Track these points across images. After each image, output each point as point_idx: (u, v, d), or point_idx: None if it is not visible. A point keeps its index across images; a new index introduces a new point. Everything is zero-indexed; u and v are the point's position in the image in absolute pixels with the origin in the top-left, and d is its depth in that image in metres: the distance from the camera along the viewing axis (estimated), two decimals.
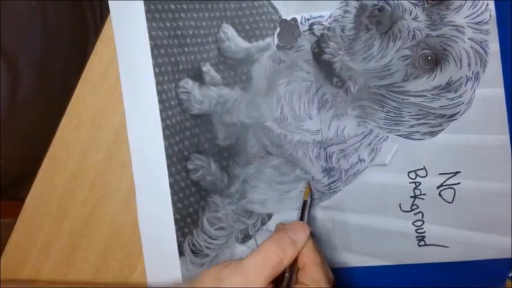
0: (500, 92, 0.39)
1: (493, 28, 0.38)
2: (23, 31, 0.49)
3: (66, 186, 0.45)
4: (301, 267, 0.36)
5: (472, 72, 0.39)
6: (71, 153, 0.45)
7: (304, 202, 0.40)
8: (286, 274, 0.35)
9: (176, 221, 0.43)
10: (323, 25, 0.40)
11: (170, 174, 0.43)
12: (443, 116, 0.39)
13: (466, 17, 0.38)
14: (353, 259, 0.41)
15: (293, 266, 0.35)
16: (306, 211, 0.39)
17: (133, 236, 0.44)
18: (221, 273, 0.35)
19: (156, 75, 0.43)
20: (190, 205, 0.43)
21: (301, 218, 0.39)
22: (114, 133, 0.44)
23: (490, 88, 0.39)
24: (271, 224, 0.42)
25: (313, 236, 0.37)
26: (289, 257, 0.35)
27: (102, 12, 0.58)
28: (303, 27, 0.41)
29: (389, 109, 0.40)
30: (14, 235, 0.46)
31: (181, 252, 0.43)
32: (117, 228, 0.44)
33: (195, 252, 0.43)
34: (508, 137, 0.39)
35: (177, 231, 0.43)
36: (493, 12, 0.39)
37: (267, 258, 0.34)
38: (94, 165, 0.45)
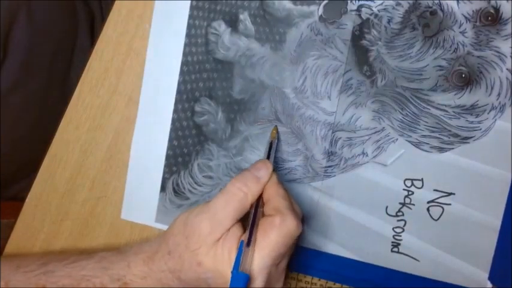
0: None
1: None
2: (9, 29, 0.47)
3: (66, 186, 0.44)
4: (266, 201, 0.36)
5: (499, 103, 0.38)
6: (71, 153, 0.44)
7: (270, 143, 0.40)
8: (252, 209, 0.36)
9: (167, 157, 0.43)
10: (372, 10, 0.39)
11: (175, 110, 0.43)
12: (457, 136, 0.39)
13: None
14: (325, 244, 0.41)
15: (258, 202, 0.36)
16: (272, 152, 0.39)
17: (133, 236, 0.44)
18: (189, 215, 0.36)
19: (192, 7, 0.42)
20: (186, 146, 0.43)
21: (268, 157, 0.39)
22: (114, 133, 0.44)
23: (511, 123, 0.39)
24: None
25: (277, 173, 0.37)
26: (253, 191, 0.36)
27: (103, 12, 0.56)
28: (352, 6, 0.40)
29: (408, 113, 0.39)
30: (14, 235, 0.45)
31: (163, 188, 0.43)
32: (117, 228, 0.44)
33: (177, 192, 0.43)
34: (511, 175, 0.39)
35: (165, 166, 0.43)
36: None
37: (232, 195, 0.35)
38: (94, 165, 0.44)
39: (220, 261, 0.34)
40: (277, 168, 0.42)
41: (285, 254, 0.35)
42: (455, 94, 0.38)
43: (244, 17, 0.42)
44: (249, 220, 0.35)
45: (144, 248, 0.38)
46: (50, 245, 0.45)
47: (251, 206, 0.36)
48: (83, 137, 0.44)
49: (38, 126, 0.52)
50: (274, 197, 0.36)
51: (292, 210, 0.35)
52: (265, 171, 0.36)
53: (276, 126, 0.41)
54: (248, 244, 0.33)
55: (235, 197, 0.35)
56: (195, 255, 0.35)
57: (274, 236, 0.34)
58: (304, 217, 0.38)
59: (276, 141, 0.41)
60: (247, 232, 0.34)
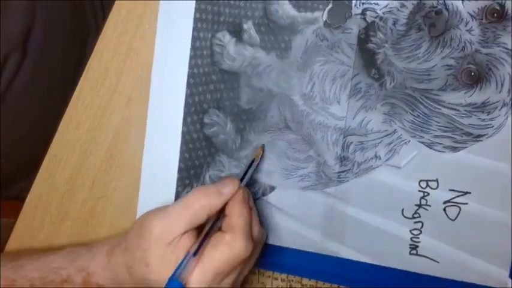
0: None
1: None
2: (25, 27, 0.47)
3: (66, 186, 0.45)
4: (226, 216, 0.36)
5: (511, 99, 0.38)
6: (71, 153, 0.44)
7: (252, 161, 0.40)
8: (208, 222, 0.36)
9: (180, 170, 0.43)
10: (376, 13, 0.39)
11: (184, 123, 0.43)
12: (469, 134, 0.39)
13: None
14: (343, 250, 0.41)
15: (218, 217, 0.36)
16: (250, 170, 0.39)
17: None
18: (147, 216, 0.36)
19: (196, 20, 0.42)
20: (197, 158, 0.43)
21: (244, 174, 0.39)
22: (114, 133, 0.44)
23: None
24: (272, 196, 0.42)
25: (245, 191, 0.37)
26: (212, 205, 0.36)
27: (104, 12, 0.57)
28: (356, 10, 0.40)
29: (419, 114, 0.39)
30: (14, 235, 0.45)
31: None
32: (117, 228, 0.44)
33: None
34: None
35: (178, 180, 0.43)
36: None
37: (189, 204, 0.35)
38: (94, 165, 0.44)
39: (167, 265, 0.34)
40: (289, 176, 0.42)
41: (229, 272, 0.35)
42: (465, 93, 0.38)
43: (248, 26, 0.42)
44: (203, 233, 0.35)
45: (109, 241, 0.39)
46: (50, 245, 0.45)
47: (209, 218, 0.36)
48: (83, 137, 0.44)
49: (38, 126, 0.52)
50: (233, 215, 0.36)
51: (245, 231, 0.35)
52: (230, 188, 0.36)
53: (263, 145, 0.41)
54: (194, 254, 0.34)
55: (192, 207, 0.35)
56: (145, 256, 0.35)
57: (219, 253, 0.34)
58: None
59: (259, 160, 0.40)
60: (197, 243, 0.34)
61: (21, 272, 0.38)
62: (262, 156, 0.41)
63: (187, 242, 0.35)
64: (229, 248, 0.34)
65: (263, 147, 0.41)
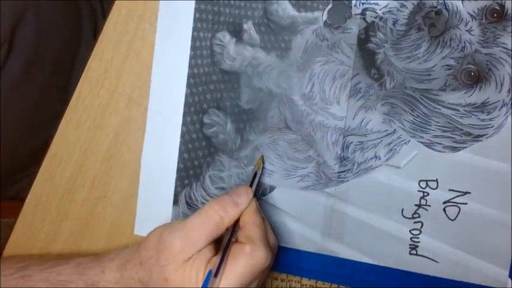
0: None
1: None
2: (14, 19, 0.47)
3: (66, 186, 0.45)
4: (241, 227, 0.36)
5: (510, 99, 0.38)
6: (71, 153, 0.44)
7: (255, 173, 0.40)
8: (226, 234, 0.35)
9: (178, 170, 0.43)
10: (376, 13, 0.39)
11: (184, 123, 0.43)
12: (469, 134, 0.39)
13: None
14: (342, 250, 0.41)
15: (234, 228, 0.36)
16: (255, 181, 0.39)
17: (133, 236, 0.44)
18: (164, 231, 0.36)
19: (195, 20, 0.42)
20: (196, 158, 0.43)
21: (250, 186, 0.39)
22: (114, 133, 0.44)
23: None
24: (272, 196, 0.42)
25: (256, 200, 0.37)
26: (230, 216, 0.36)
27: (104, 12, 0.57)
28: (356, 10, 0.40)
29: (419, 114, 0.39)
30: (14, 235, 0.45)
31: (175, 202, 0.43)
32: (117, 228, 0.44)
33: (190, 205, 0.43)
34: None
35: (177, 180, 0.43)
36: None
37: (208, 218, 0.35)
38: (94, 165, 0.44)
39: (187, 280, 0.34)
40: (289, 176, 0.42)
41: (251, 282, 0.35)
42: (465, 93, 0.38)
43: (248, 26, 0.42)
44: (222, 246, 0.35)
45: (119, 255, 0.38)
46: (50, 245, 0.45)
47: (226, 229, 0.36)
48: (83, 137, 0.44)
49: (38, 126, 0.52)
50: (249, 225, 0.36)
51: (264, 241, 0.35)
52: (245, 197, 0.36)
53: (262, 156, 0.41)
54: (216, 275, 0.33)
55: (212, 220, 0.35)
56: (164, 271, 0.35)
57: (241, 265, 0.34)
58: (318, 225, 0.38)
59: (261, 171, 0.41)
60: (218, 259, 0.34)
61: (29, 282, 0.38)
62: (263, 168, 0.41)
63: (207, 255, 0.35)
64: (250, 258, 0.34)
65: (262, 158, 0.41)
